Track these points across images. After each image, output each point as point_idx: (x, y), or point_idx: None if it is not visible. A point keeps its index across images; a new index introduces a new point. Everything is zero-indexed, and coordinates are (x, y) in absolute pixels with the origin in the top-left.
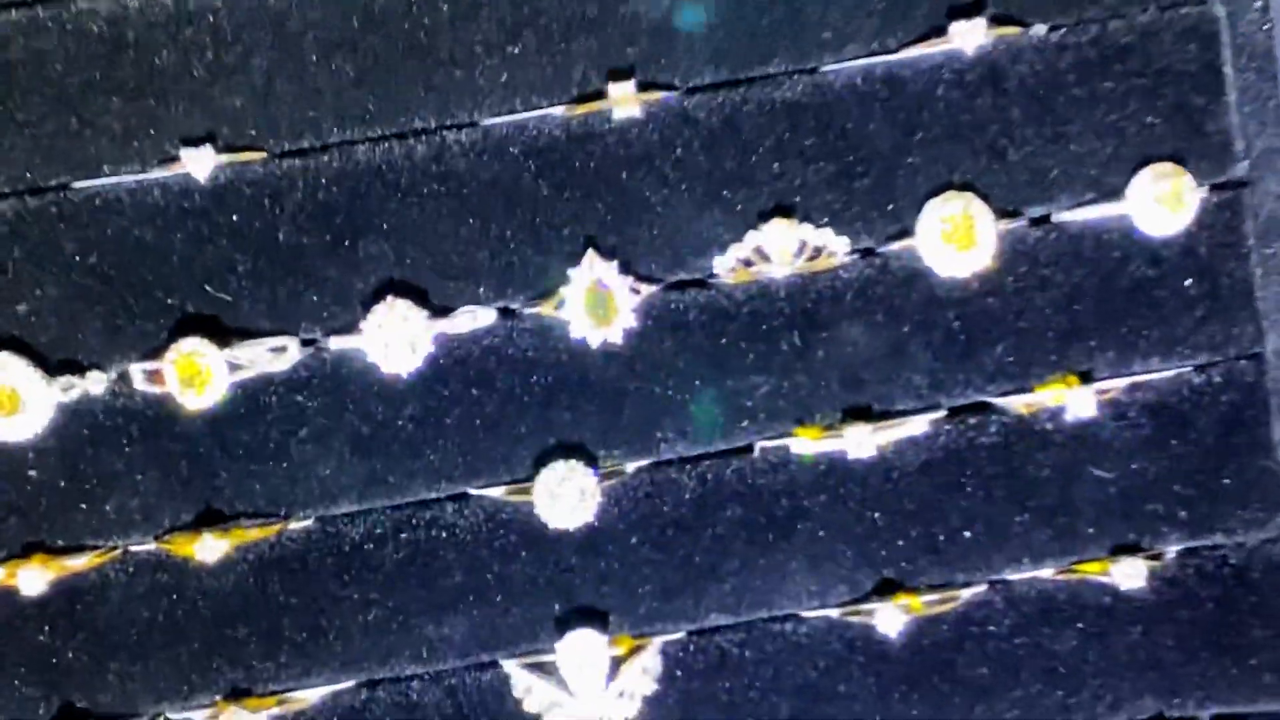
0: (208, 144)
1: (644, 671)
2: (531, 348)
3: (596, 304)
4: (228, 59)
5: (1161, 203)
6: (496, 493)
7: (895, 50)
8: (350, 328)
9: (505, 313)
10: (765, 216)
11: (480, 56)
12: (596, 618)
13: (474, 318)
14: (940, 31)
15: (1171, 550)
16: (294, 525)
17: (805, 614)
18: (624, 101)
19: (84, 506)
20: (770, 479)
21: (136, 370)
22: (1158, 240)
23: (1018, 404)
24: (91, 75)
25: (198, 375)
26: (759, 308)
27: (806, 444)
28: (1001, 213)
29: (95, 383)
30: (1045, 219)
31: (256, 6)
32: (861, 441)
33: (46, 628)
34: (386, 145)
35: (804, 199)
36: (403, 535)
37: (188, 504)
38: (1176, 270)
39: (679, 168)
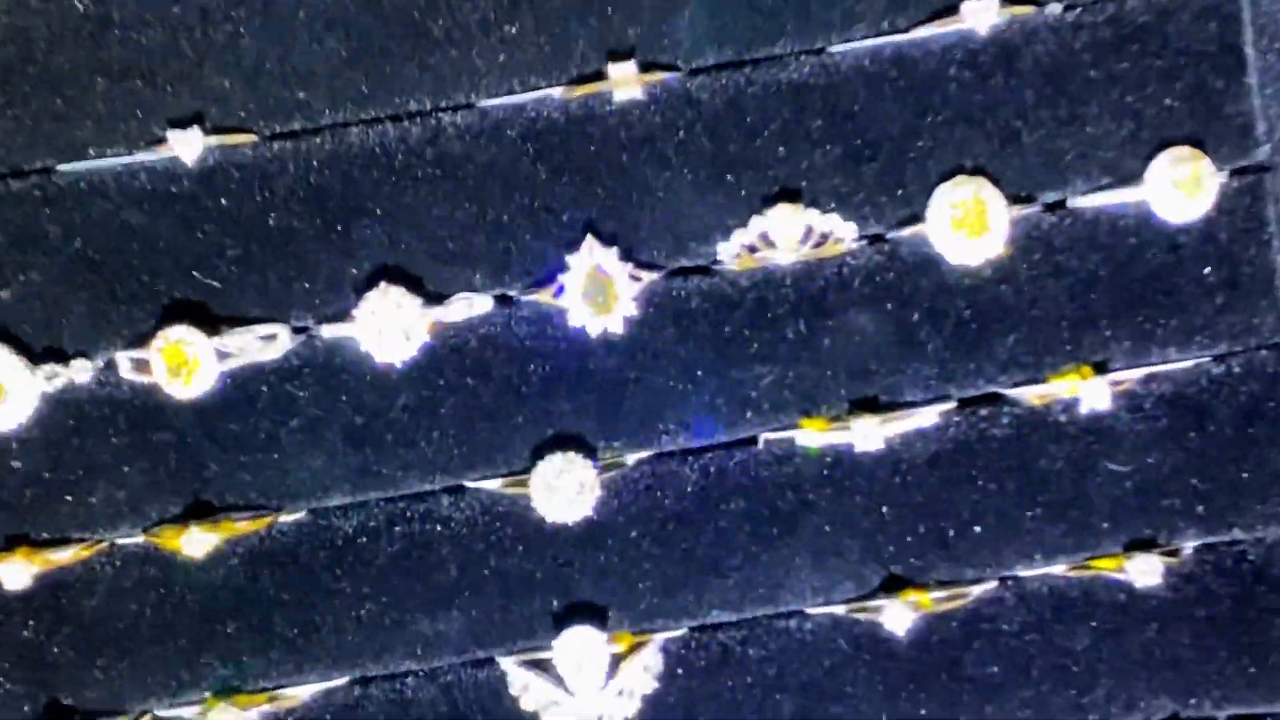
0: (196, 126)
1: (644, 669)
2: (529, 336)
3: (596, 291)
4: (216, 38)
5: (1180, 188)
6: (493, 485)
7: (905, 30)
8: (343, 315)
9: (502, 300)
10: (770, 201)
11: (477, 36)
12: (595, 614)
13: (470, 305)
14: (952, 10)
15: (1188, 546)
16: (285, 518)
17: (810, 611)
18: (625, 82)
19: (69, 499)
20: (775, 472)
21: (123, 358)
22: (1176, 226)
23: (1030, 395)
24: (76, 55)
25: (185, 364)
26: (764, 295)
27: (812, 436)
28: (1014, 198)
29: (80, 371)
30: (1060, 204)
31: None
32: (869, 434)
33: (31, 623)
34: (380, 127)
35: (810, 183)
36: (397, 528)
37: (176, 496)
38: (1195, 257)
39: (681, 151)
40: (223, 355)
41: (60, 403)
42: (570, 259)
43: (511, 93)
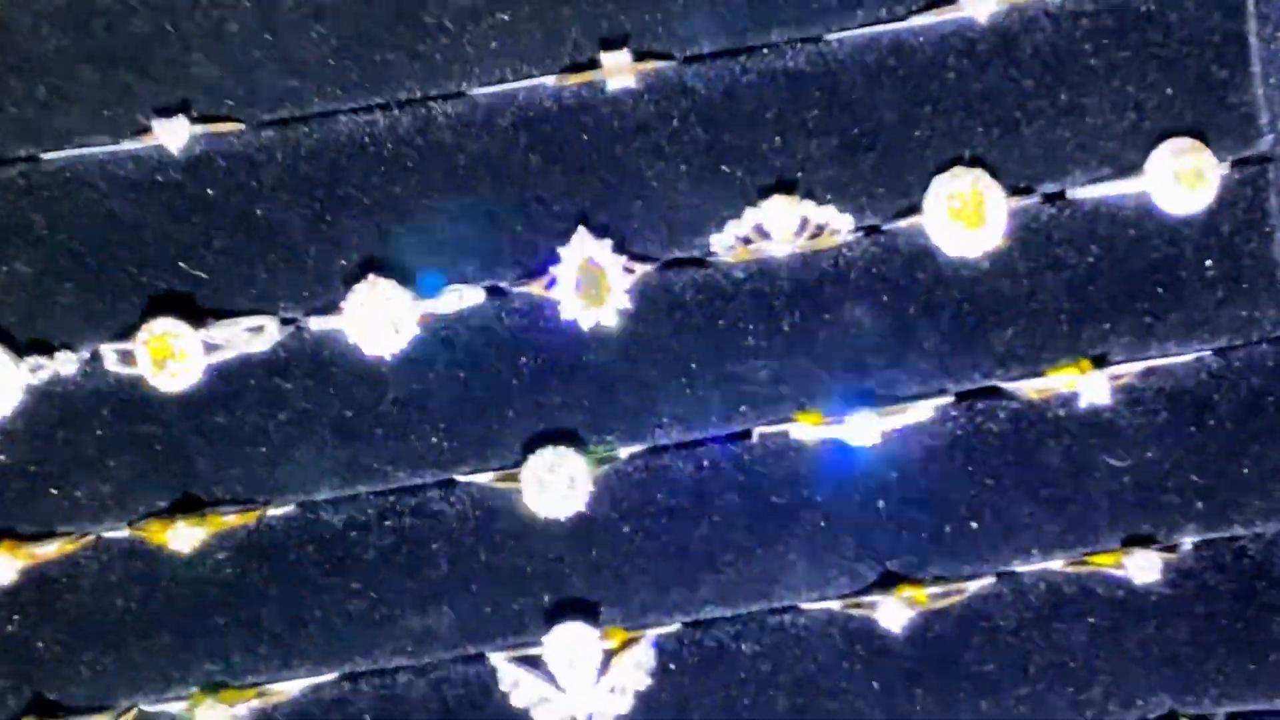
0: (182, 114)
1: (636, 665)
2: (520, 328)
3: (588, 284)
4: (203, 25)
5: (1181, 180)
6: (484, 479)
7: (903, 18)
8: (331, 307)
9: (493, 292)
10: (766, 192)
11: (468, 23)
12: (587, 609)
13: (460, 297)
14: None
15: (1187, 542)
16: (273, 512)
17: (805, 606)
18: (619, 71)
19: (54, 492)
20: (769, 466)
21: (109, 350)
22: (1177, 218)
23: (1028, 389)
24: (61, 42)
25: (171, 357)
26: (759, 288)
27: (807, 430)
28: (1013, 189)
29: (65, 363)
30: (1059, 196)
31: None
32: (865, 428)
33: (16, 617)
34: (370, 116)
35: (806, 174)
36: (386, 523)
37: (163, 490)
38: (1197, 250)
39: (675, 141)
40: (210, 347)
41: (45, 395)
42: (562, 251)
43: (503, 81)
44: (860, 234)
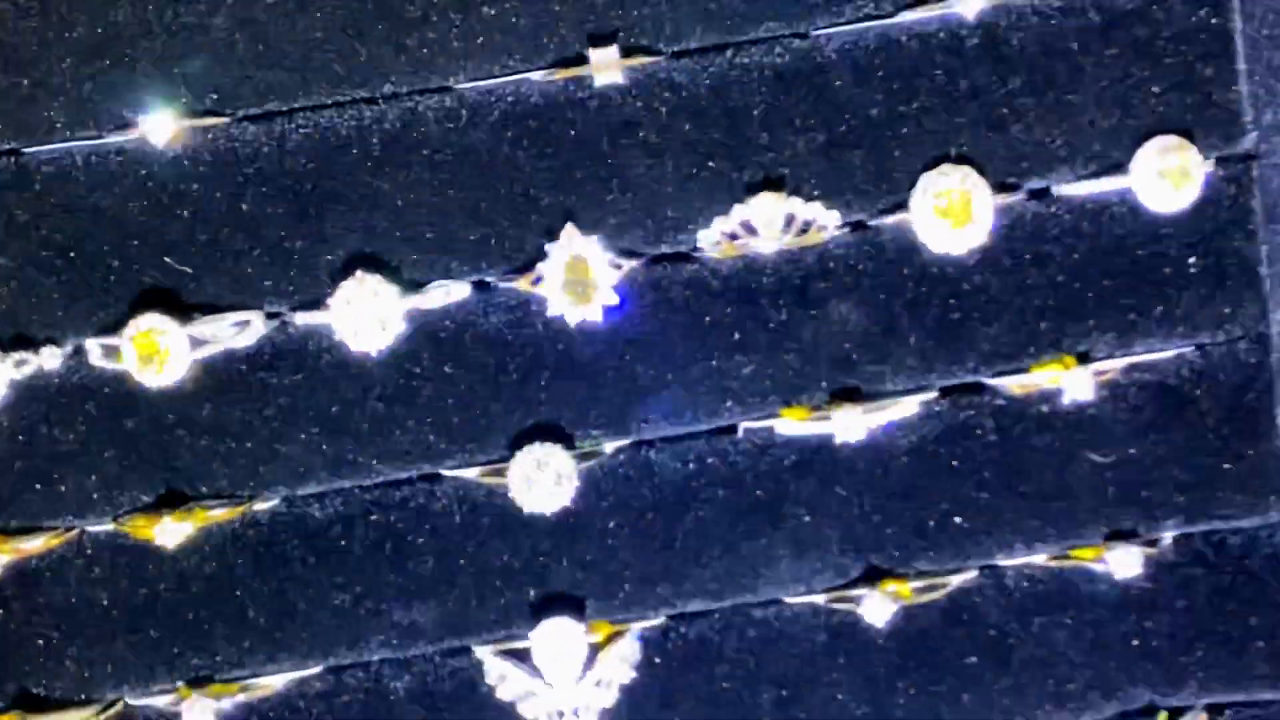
0: (167, 108)
1: (622, 659)
2: (507, 324)
3: (575, 280)
4: (188, 18)
5: (1166, 177)
6: (470, 474)
7: (891, 14)
8: (318, 303)
9: (480, 287)
10: (753, 189)
11: (454, 17)
12: (573, 604)
13: (447, 292)
14: None
15: (1167, 536)
16: (259, 506)
17: (789, 600)
18: (606, 67)
19: (39, 487)
20: (755, 461)
21: (94, 345)
22: (1161, 216)
23: (1013, 385)
24: (44, 34)
25: (157, 353)
26: (745, 283)
27: (793, 425)
28: (999, 186)
29: (50, 358)
30: (1045, 192)
31: None
32: (850, 423)
33: (1, 611)
34: (356, 110)
35: (793, 170)
36: (372, 517)
37: (148, 484)
38: (1180, 247)
39: (663, 137)
40: (196, 342)
41: (29, 390)
42: (549, 247)
43: (490, 76)
44: (847, 230)
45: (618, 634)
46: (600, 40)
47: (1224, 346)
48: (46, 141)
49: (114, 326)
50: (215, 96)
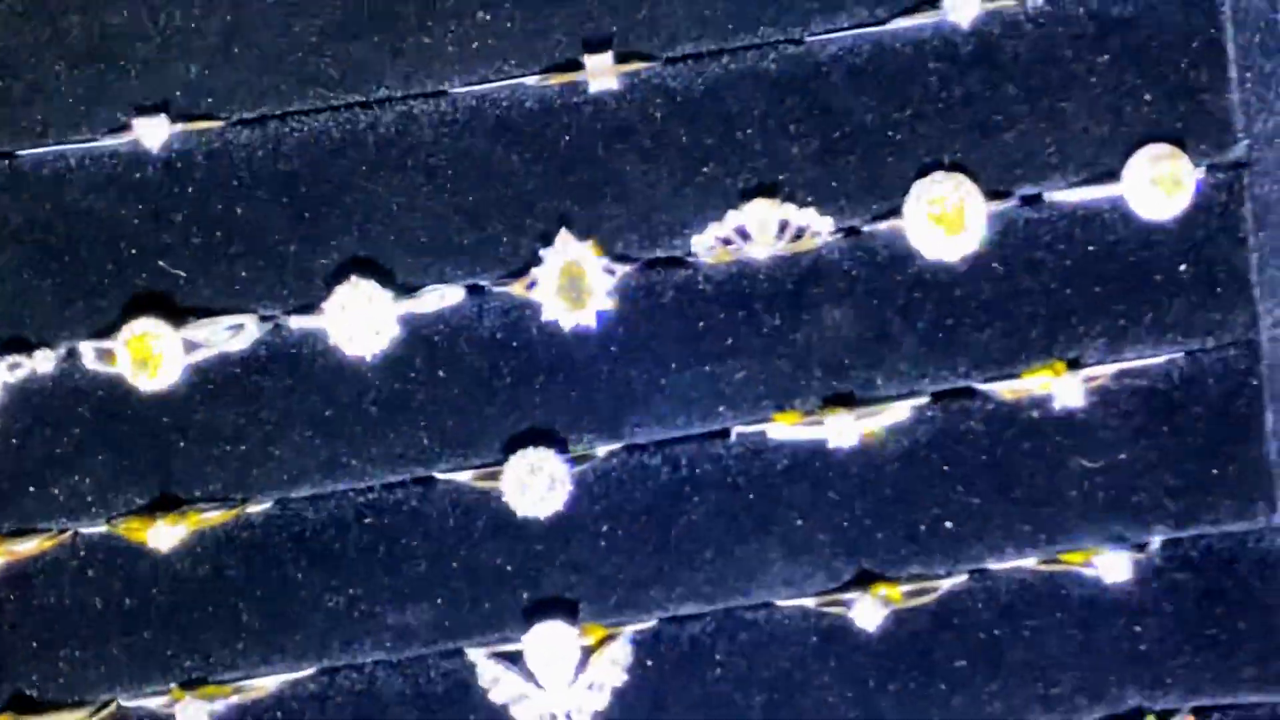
0: (161, 112)
1: (614, 662)
2: (501, 328)
3: (569, 285)
4: (182, 21)
5: (1158, 185)
6: (464, 478)
7: (885, 21)
8: (312, 307)
9: (474, 292)
10: (747, 195)
11: (450, 22)
12: (565, 607)
13: (441, 297)
14: (933, 2)
15: (1156, 541)
16: (252, 509)
17: (781, 604)
18: (601, 72)
19: (33, 489)
20: (747, 465)
21: (87, 348)
22: (1153, 223)
23: (1004, 391)
24: (38, 36)
25: (150, 357)
26: (739, 289)
27: (786, 430)
28: (992, 193)
29: (44, 361)
30: (1037, 199)
31: None
32: (843, 428)
33: None
34: (350, 114)
35: (787, 176)
36: (366, 520)
37: (142, 487)
38: (1171, 254)
39: (657, 142)
40: (190, 346)
41: (23, 393)
42: (544, 252)
43: (485, 81)
44: (840, 236)
45: (610, 637)
46: (595, 46)
47: (1214, 353)
48: (40, 144)
49: (108, 330)
50: (209, 100)
